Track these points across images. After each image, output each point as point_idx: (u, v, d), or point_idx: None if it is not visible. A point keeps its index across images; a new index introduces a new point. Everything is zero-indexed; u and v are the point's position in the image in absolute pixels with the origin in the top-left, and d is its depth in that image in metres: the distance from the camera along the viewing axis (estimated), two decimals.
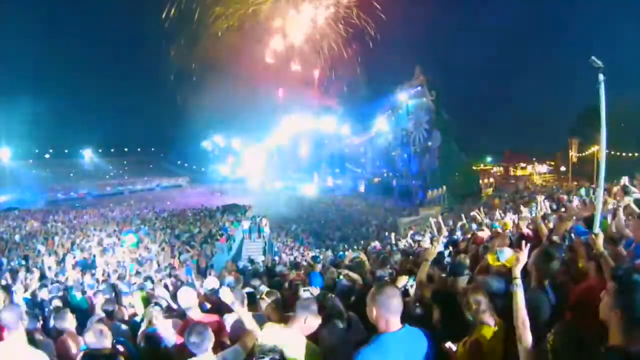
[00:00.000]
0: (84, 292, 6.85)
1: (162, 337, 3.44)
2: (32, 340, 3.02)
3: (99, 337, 2.91)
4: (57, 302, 5.03)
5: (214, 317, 3.57)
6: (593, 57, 2.71)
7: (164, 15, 44.16)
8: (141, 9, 44.85)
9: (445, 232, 9.08)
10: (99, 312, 4.40)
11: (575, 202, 7.79)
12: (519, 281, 2.25)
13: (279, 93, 50.13)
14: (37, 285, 6.47)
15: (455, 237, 8.48)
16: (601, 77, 2.55)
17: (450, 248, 6.40)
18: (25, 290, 6.22)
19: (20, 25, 46.35)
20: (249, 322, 2.83)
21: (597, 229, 2.79)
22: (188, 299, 3.71)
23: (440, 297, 3.02)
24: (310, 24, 49.86)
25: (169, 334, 3.49)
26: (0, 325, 2.80)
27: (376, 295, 2.13)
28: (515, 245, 5.00)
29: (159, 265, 13.66)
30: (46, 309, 5.18)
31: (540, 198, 8.00)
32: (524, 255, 2.42)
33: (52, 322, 3.94)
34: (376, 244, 14.56)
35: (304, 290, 4.04)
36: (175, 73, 47.03)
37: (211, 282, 4.86)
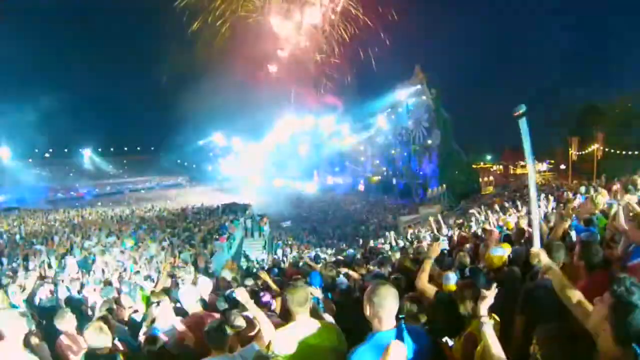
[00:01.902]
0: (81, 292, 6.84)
1: (164, 337, 3.44)
2: (28, 343, 3.00)
3: (98, 334, 2.90)
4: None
5: (215, 315, 3.56)
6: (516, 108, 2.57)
7: (162, 18, 44.40)
8: (141, 10, 44.95)
9: (445, 231, 9.09)
10: (99, 312, 4.39)
11: (577, 200, 7.77)
12: (485, 319, 2.12)
13: (279, 92, 50.13)
14: (36, 286, 6.45)
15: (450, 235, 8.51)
16: (524, 121, 2.50)
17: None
18: (24, 290, 6.20)
19: (20, 27, 46.43)
20: (263, 321, 2.82)
21: (537, 245, 2.57)
22: (190, 297, 3.70)
23: (442, 297, 3.01)
24: (310, 24, 49.84)
25: (173, 332, 3.48)
26: None
27: (371, 294, 2.13)
28: (515, 242, 5.03)
29: (158, 265, 13.63)
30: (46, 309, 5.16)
31: (541, 197, 8.01)
32: (491, 295, 2.22)
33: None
34: (379, 241, 14.58)
35: None
36: (174, 73, 47.07)
37: (204, 283, 4.84)
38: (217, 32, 47.48)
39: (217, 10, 46.30)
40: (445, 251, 6.26)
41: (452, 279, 3.45)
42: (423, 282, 3.31)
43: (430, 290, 3.22)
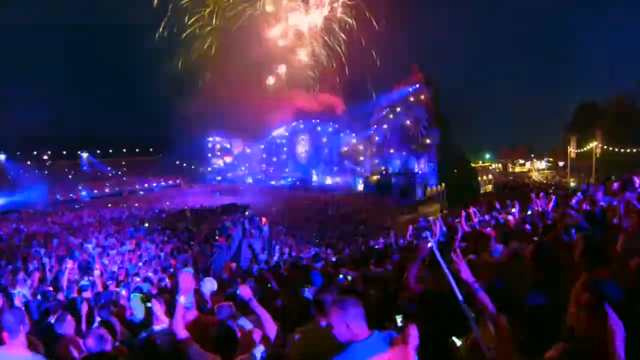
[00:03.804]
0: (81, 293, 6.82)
1: (159, 339, 3.42)
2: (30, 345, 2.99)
3: (99, 341, 2.90)
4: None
5: (211, 319, 3.55)
6: None
7: (162, 23, 44.83)
8: (140, 11, 45.07)
9: (438, 230, 9.04)
10: (98, 315, 4.38)
11: (576, 198, 7.78)
12: (476, 285, 2.31)
13: (278, 92, 50.16)
14: (36, 288, 6.44)
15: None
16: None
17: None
18: (24, 293, 6.19)
19: (19, 26, 46.39)
20: (267, 319, 2.81)
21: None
22: (187, 299, 3.68)
23: (432, 295, 3.00)
24: (308, 23, 49.86)
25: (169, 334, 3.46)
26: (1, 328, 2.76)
27: (343, 309, 2.08)
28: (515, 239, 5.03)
29: (157, 266, 13.63)
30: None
31: (538, 194, 8.01)
32: (461, 264, 2.43)
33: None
34: (378, 240, 14.57)
35: (304, 291, 4.02)
36: (173, 73, 47.12)
37: (209, 283, 4.82)
38: (208, 37, 48.01)
39: (206, 16, 46.83)
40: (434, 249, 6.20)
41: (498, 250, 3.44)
42: (408, 281, 3.29)
43: (414, 289, 3.21)
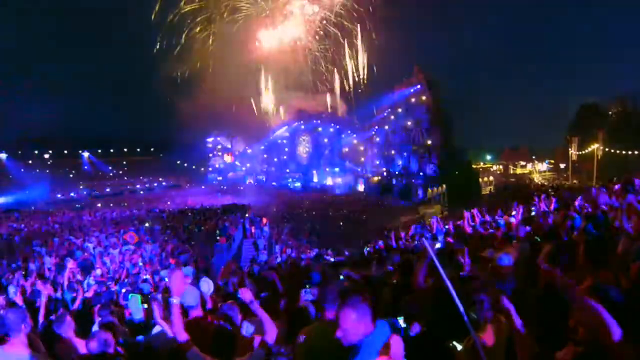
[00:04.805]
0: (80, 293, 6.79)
1: (158, 341, 3.41)
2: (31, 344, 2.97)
3: (103, 346, 2.88)
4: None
5: (216, 318, 3.53)
6: None
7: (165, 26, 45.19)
8: (140, 11, 45.36)
9: (434, 230, 9.05)
10: (98, 315, 4.37)
11: (579, 200, 7.77)
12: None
13: (278, 92, 50.22)
14: (35, 288, 6.42)
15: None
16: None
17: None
18: (24, 292, 6.18)
19: (21, 27, 46.66)
20: (268, 323, 2.80)
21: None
22: (191, 298, 3.68)
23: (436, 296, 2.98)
24: (308, 23, 49.95)
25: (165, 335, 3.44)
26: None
27: (354, 307, 2.09)
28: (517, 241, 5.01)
29: (158, 266, 13.60)
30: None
31: (540, 196, 7.99)
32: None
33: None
34: (379, 242, 14.53)
35: (305, 292, 4.02)
36: (174, 74, 47.29)
37: (205, 283, 4.80)
38: (207, 40, 48.37)
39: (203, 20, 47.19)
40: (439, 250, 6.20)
41: (505, 259, 3.37)
42: (416, 281, 3.28)
43: (423, 289, 3.19)
